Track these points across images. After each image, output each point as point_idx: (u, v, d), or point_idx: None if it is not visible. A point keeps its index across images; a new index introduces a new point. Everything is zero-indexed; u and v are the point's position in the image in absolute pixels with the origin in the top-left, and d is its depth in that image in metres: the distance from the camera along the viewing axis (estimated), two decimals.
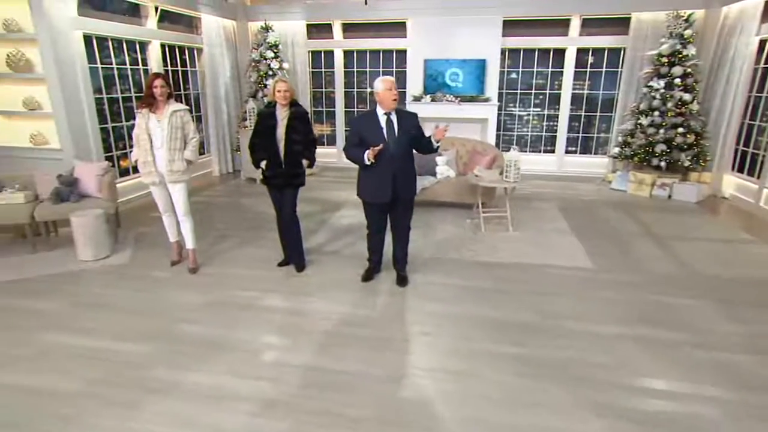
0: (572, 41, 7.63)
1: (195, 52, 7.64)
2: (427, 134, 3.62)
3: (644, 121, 6.68)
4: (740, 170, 6.48)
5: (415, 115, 3.69)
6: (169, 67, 6.95)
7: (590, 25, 7.53)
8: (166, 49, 6.83)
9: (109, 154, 5.95)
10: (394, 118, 3.54)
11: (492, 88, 7.78)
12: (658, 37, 6.92)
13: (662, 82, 6.51)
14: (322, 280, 3.91)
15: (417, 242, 4.54)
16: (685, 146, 6.47)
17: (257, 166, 3.83)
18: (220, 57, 7.80)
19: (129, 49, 6.19)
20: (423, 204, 5.61)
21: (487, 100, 7.76)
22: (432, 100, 7.81)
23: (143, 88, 6.36)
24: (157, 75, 3.71)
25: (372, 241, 3.92)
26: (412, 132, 3.56)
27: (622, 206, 6.16)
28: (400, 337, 3.05)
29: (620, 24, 7.34)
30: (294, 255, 4.09)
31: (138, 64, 6.38)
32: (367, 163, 3.43)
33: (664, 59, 6.52)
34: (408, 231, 3.88)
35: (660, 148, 6.53)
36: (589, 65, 7.75)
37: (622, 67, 7.51)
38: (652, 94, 6.59)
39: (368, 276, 3.96)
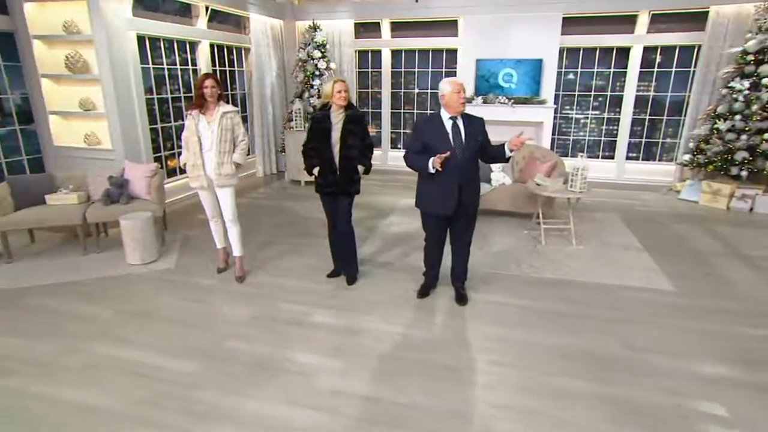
0: (639, 39, 7.06)
1: (242, 52, 7.59)
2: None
3: (722, 125, 6.06)
4: None
5: (482, 120, 3.36)
6: (217, 67, 6.91)
7: (660, 21, 6.94)
8: (215, 49, 6.78)
9: (158, 154, 5.94)
10: (460, 123, 3.24)
11: (548, 89, 7.32)
12: (741, 33, 6.29)
13: (747, 83, 5.89)
14: (374, 295, 3.66)
15: (473, 255, 4.17)
16: None
17: (310, 172, 3.61)
18: (266, 57, 7.71)
19: (179, 49, 6.17)
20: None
21: (542, 102, 7.31)
22: (484, 102, 7.43)
23: (192, 89, 6.43)
24: (207, 75, 3.57)
25: (430, 255, 3.62)
26: (478, 138, 3.24)
27: (696, 219, 5.60)
28: (465, 366, 2.75)
29: (695, 19, 6.72)
30: (346, 267, 3.86)
31: (187, 65, 6.35)
32: (432, 171, 3.13)
33: (750, 57, 5.89)
34: (469, 246, 3.59)
35: (741, 155, 5.91)
36: (656, 65, 7.16)
37: (695, 67, 6.88)
38: (734, 95, 5.97)
39: (424, 292, 3.68)
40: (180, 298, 3.59)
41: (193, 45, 6.41)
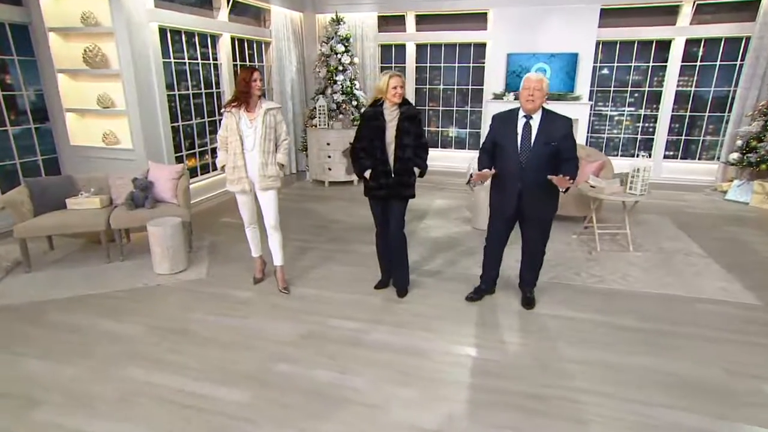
0: (681, 31, 6.70)
1: (262, 46, 7.25)
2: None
3: None
4: None
5: (568, 121, 2.97)
6: (238, 62, 6.57)
7: (705, 12, 6.58)
8: (235, 42, 6.45)
9: (179, 154, 5.62)
10: (534, 122, 2.95)
11: (584, 85, 6.98)
12: None
13: None
14: (430, 309, 3.33)
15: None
16: None
17: (360, 175, 3.29)
18: (286, 51, 7.37)
19: (200, 43, 5.84)
20: None
21: (577, 98, 6.96)
22: (515, 99, 7.07)
23: (213, 85, 6.10)
24: (254, 68, 3.26)
25: (488, 255, 3.40)
26: (553, 143, 2.90)
27: (751, 222, 5.26)
28: (552, 395, 2.42)
29: (744, 9, 6.36)
30: (396, 277, 3.54)
31: (208, 59, 6.02)
32: (473, 186, 2.97)
33: None
34: (541, 255, 3.31)
35: None
36: (699, 58, 6.79)
37: (742, 60, 6.52)
38: None
39: (476, 296, 3.44)
40: (217, 314, 3.27)
41: (214, 38, 6.08)
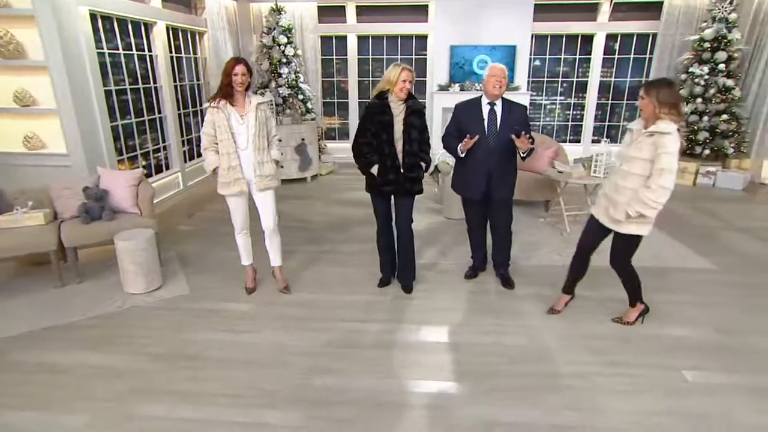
0: (601, 27, 7.38)
1: (196, 36, 6.64)
2: None
3: (687, 108, 6.54)
4: None
5: (524, 108, 3.31)
6: (174, 53, 5.96)
7: (620, 10, 7.29)
8: (170, 32, 5.84)
9: (120, 157, 4.97)
10: (498, 109, 3.19)
11: (522, 76, 7.39)
12: (689, 23, 6.82)
13: (706, 68, 6.38)
14: (440, 302, 3.33)
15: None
16: (730, 133, 6.39)
17: (365, 171, 3.17)
18: (223, 42, 6.84)
19: (134, 32, 5.19)
20: None
21: (516, 88, 7.35)
22: (461, 90, 7.29)
23: (151, 79, 5.42)
24: (238, 60, 2.99)
25: (471, 238, 3.69)
26: (515, 127, 3.12)
27: (675, 195, 5.87)
28: (592, 371, 2.56)
29: (652, 8, 7.16)
30: (402, 273, 3.48)
31: (143, 50, 5.38)
32: (461, 155, 3.16)
33: (707, 44, 6.38)
34: (508, 234, 3.53)
35: (703, 135, 6.43)
36: (617, 52, 7.54)
37: (651, 54, 7.35)
38: (695, 80, 6.45)
39: (472, 273, 3.70)
40: (221, 331, 2.97)
41: (148, 27, 5.44)
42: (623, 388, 2.43)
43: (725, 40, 6.28)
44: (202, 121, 6.68)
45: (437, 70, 7.54)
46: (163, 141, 5.80)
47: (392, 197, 3.28)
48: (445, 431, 2.15)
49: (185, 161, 6.22)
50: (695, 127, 6.50)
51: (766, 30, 6.38)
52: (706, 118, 6.45)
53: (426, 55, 7.75)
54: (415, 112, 3.09)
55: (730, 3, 6.28)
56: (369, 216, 5.21)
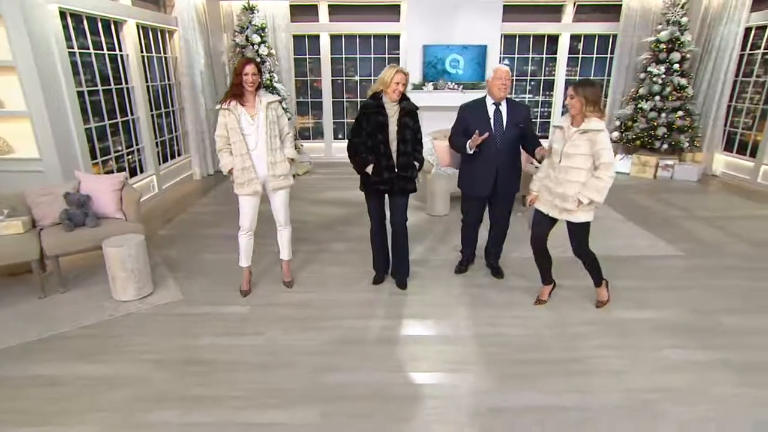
0: (565, 27, 7.72)
1: (166, 35, 6.46)
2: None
3: (645, 105, 6.95)
4: (729, 150, 7.04)
5: (527, 107, 3.51)
6: (145, 53, 5.78)
7: (582, 12, 7.65)
8: (140, 31, 5.66)
9: (94, 161, 4.79)
10: (503, 109, 3.34)
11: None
12: (646, 25, 7.25)
13: (662, 68, 6.80)
14: (436, 297, 3.44)
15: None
16: (685, 128, 6.85)
17: (361, 170, 3.23)
18: (194, 41, 6.68)
19: (104, 31, 5.01)
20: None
21: None
22: (435, 89, 7.43)
23: (124, 79, 5.21)
24: (248, 60, 3.00)
25: (466, 234, 3.78)
26: (520, 125, 3.32)
27: (639, 188, 6.37)
28: (587, 355, 2.73)
29: (612, 10, 7.54)
30: (397, 269, 3.57)
31: (114, 49, 5.20)
32: (470, 152, 3.27)
33: (663, 46, 6.80)
34: (506, 227, 3.72)
35: (662, 131, 6.86)
36: (581, 51, 7.90)
37: (612, 54, 7.75)
38: (653, 79, 6.86)
39: (462, 268, 3.82)
40: (224, 335, 2.96)
41: (119, 25, 5.26)
42: (613, 369, 2.61)
43: (679, 42, 6.72)
44: (175, 122, 6.55)
45: (411, 70, 7.63)
46: (137, 143, 5.62)
47: (386, 196, 3.36)
48: (456, 419, 2.25)
49: (159, 163, 6.05)
50: (655, 123, 6.91)
51: (712, 33, 6.87)
52: (664, 114, 6.87)
53: (399, 54, 7.84)
54: (409, 113, 3.17)
55: (682, 7, 6.72)
56: (352, 215, 5.31)
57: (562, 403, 2.35)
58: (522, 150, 3.47)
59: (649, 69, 6.96)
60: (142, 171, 5.73)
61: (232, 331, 3.00)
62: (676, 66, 6.76)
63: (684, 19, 6.70)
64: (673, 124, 6.84)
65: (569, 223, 2.99)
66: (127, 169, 5.39)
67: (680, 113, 6.82)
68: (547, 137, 7.39)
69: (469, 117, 3.37)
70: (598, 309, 3.25)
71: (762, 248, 4.31)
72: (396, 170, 3.17)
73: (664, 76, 6.81)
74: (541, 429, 2.18)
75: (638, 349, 2.79)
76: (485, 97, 3.38)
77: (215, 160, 7.36)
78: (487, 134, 3.20)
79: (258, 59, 6.71)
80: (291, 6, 7.38)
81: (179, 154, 6.81)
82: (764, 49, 6.47)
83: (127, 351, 2.79)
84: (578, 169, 2.81)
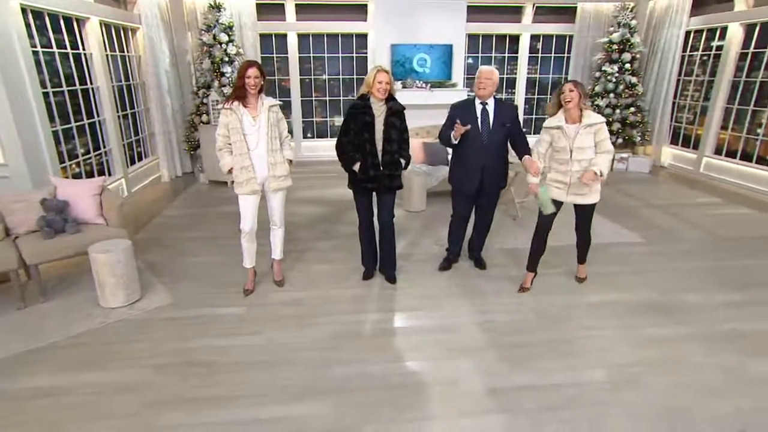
0: (525, 28, 8.07)
1: (129, 33, 6.24)
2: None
3: (601, 102, 7.40)
4: (674, 143, 7.62)
5: (514, 107, 3.67)
6: (108, 51, 5.57)
7: (540, 13, 8.02)
8: (103, 28, 5.45)
9: (62, 164, 4.59)
10: (490, 108, 3.47)
11: (458, 73, 7.84)
12: (599, 26, 7.71)
13: (615, 67, 7.26)
14: (426, 290, 3.58)
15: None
16: (637, 124, 7.35)
17: (348, 168, 3.31)
18: (158, 39, 6.49)
19: (67, 28, 4.80)
20: (441, 194, 5.44)
21: (454, 85, 7.80)
22: (403, 87, 7.56)
23: (89, 79, 4.99)
24: (251, 63, 3.07)
25: (454, 230, 3.89)
26: (507, 124, 3.46)
27: None
28: (576, 335, 2.95)
29: (568, 12, 7.95)
30: (385, 264, 3.69)
31: (78, 48, 4.99)
32: (454, 142, 3.41)
33: (615, 46, 7.26)
34: (490, 221, 3.88)
35: (616, 126, 7.33)
36: (540, 51, 8.28)
37: (569, 53, 8.18)
38: (608, 78, 7.32)
39: (446, 265, 3.92)
40: (222, 336, 2.96)
41: (81, 23, 5.04)
42: (597, 347, 2.85)
43: (629, 43, 7.20)
44: (140, 123, 6.34)
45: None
46: (104, 146, 5.42)
47: (374, 194, 3.46)
48: (459, 401, 2.40)
49: (127, 166, 5.85)
50: (610, 119, 7.37)
51: (657, 35, 7.41)
52: (618, 111, 7.35)
53: (367, 53, 7.93)
54: (396, 113, 3.28)
55: (631, 10, 7.20)
56: (332, 213, 5.37)
57: (556, 380, 2.54)
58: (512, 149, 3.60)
59: (603, 68, 7.41)
60: (110, 174, 5.53)
61: (228, 332, 3.02)
62: (628, 65, 7.24)
63: (633, 22, 7.19)
64: (626, 119, 7.33)
65: (579, 206, 3.30)
66: (94, 172, 5.19)
67: (632, 110, 7.31)
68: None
69: (459, 116, 3.45)
70: (576, 294, 3.50)
71: (712, 233, 4.74)
72: (381, 168, 3.28)
73: (617, 74, 7.28)
74: (541, 405, 2.36)
75: (617, 329, 3.04)
76: (474, 96, 3.49)
77: (183, 162, 7.19)
78: (469, 126, 3.32)
79: (227, 58, 6.62)
80: (257, 4, 7.29)
81: (146, 156, 6.60)
82: (702, 51, 7.06)
83: (124, 357, 2.75)
84: (588, 159, 3.11)
